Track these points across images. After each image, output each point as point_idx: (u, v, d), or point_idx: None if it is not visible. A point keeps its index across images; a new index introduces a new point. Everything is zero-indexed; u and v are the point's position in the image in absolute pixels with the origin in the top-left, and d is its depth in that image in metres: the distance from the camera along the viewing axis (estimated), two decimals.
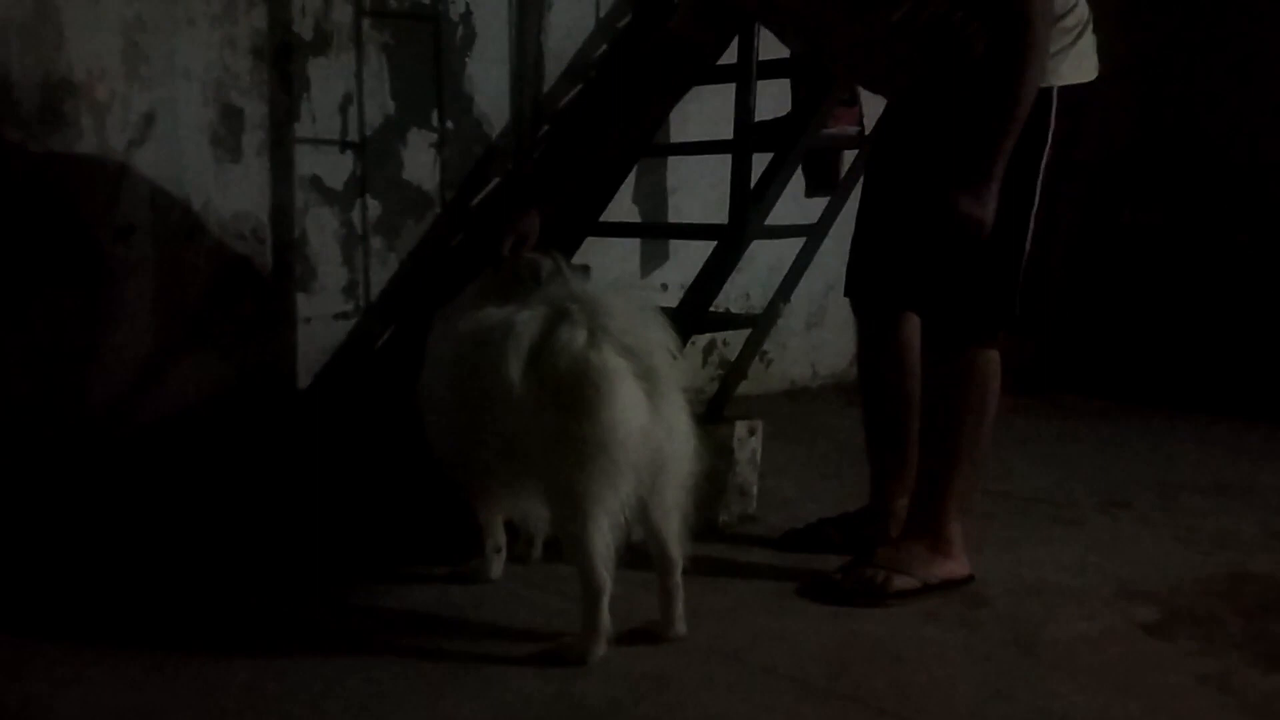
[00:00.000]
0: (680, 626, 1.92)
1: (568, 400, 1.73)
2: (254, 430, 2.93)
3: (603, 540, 1.77)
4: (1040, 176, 2.05)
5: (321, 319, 3.10)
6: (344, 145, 3.09)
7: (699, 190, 3.86)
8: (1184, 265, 4.77)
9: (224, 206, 2.87)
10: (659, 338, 1.79)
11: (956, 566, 2.20)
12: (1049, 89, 2.01)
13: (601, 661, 1.82)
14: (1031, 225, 2.06)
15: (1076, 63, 2.04)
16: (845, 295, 2.39)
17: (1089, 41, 2.08)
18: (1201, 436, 3.80)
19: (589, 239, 3.52)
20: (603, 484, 1.74)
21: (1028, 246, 2.07)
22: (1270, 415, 4.02)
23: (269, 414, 2.99)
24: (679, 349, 1.85)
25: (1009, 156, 1.95)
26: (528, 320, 1.76)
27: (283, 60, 2.95)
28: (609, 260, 3.70)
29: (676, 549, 1.89)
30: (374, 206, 3.18)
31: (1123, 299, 4.91)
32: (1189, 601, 2.17)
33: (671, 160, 3.86)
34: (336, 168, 3.09)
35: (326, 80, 3.04)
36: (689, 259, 3.57)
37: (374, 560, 2.33)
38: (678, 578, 1.91)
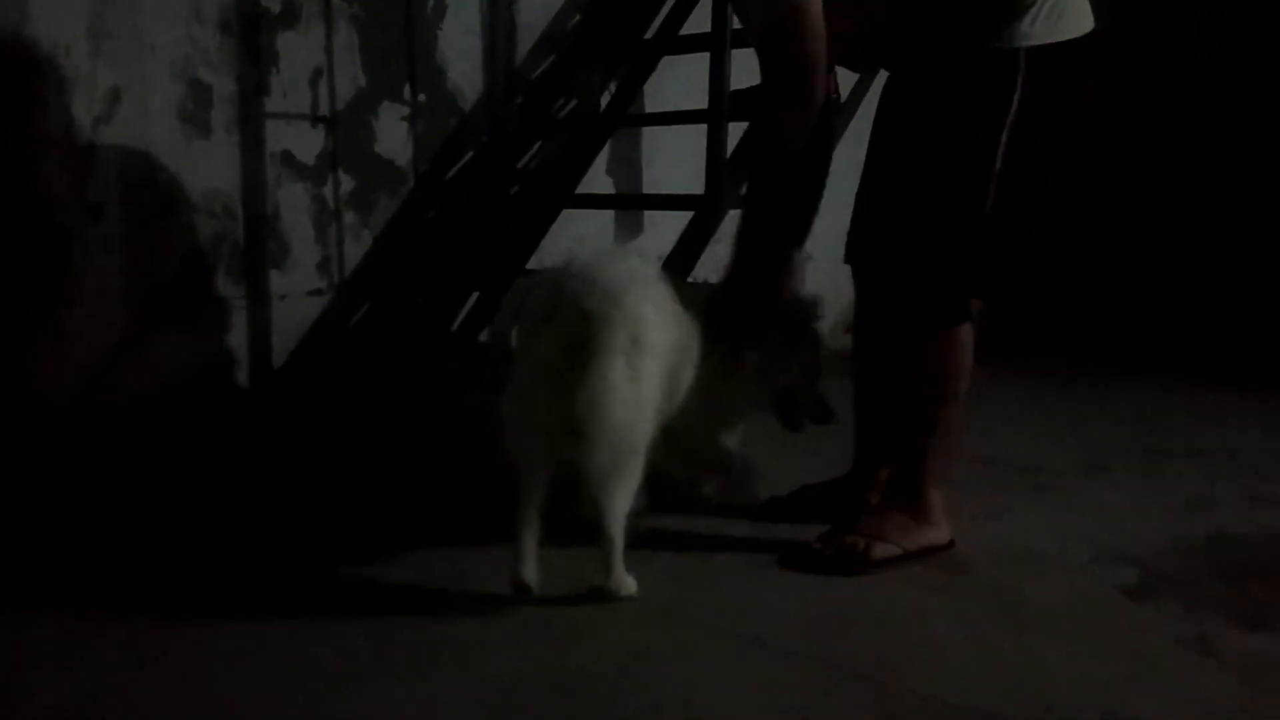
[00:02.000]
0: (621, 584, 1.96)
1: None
2: (230, 409, 2.91)
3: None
4: (1002, 142, 2.01)
5: (295, 296, 3.07)
6: (315, 119, 3.06)
7: (675, 160, 3.84)
8: (1161, 231, 4.79)
9: (194, 183, 2.84)
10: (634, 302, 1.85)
11: (936, 533, 2.20)
12: (1015, 51, 1.99)
13: (581, 634, 1.82)
14: (993, 191, 2.03)
15: (1051, 21, 2.00)
16: (845, 262, 2.34)
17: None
18: (1180, 401, 3.82)
19: (565, 211, 3.50)
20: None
21: (990, 212, 2.04)
22: (1250, 379, 4.05)
23: (244, 392, 2.97)
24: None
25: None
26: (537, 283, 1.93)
27: (251, 34, 2.91)
28: (584, 232, 3.68)
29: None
30: (346, 181, 3.15)
31: (1102, 265, 4.93)
32: (1168, 564, 2.18)
33: (647, 131, 3.84)
34: (308, 142, 3.06)
35: (296, 54, 3.00)
36: (666, 230, 3.55)
37: (352, 539, 2.32)
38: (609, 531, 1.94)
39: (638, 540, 2.22)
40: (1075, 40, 2.03)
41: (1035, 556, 2.23)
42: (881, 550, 2.14)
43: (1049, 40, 2.00)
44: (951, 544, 2.23)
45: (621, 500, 1.92)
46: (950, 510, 2.25)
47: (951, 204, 2.03)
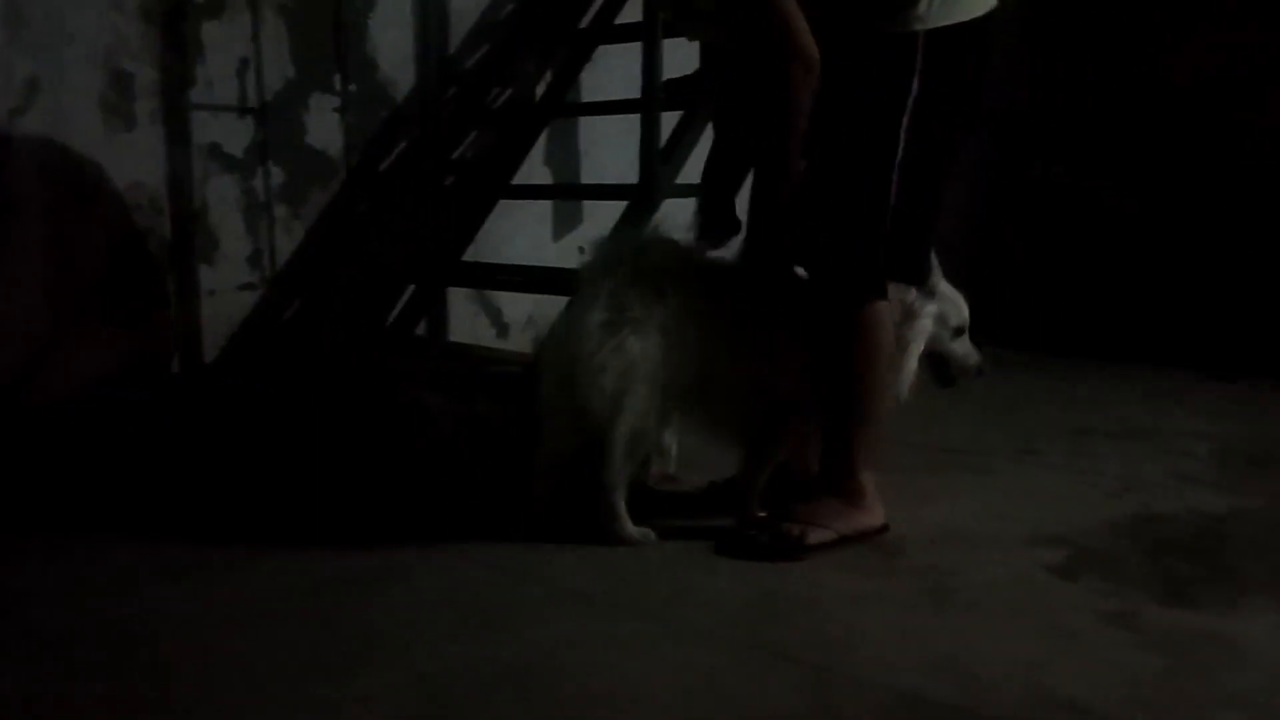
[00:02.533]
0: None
1: None
2: (158, 406, 2.87)
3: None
4: (904, 125, 2.04)
5: (226, 291, 3.04)
6: (243, 110, 3.03)
7: (614, 150, 3.84)
8: (1094, 217, 4.87)
9: (118, 176, 2.79)
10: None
11: (871, 517, 2.23)
12: (913, 34, 2.01)
13: (513, 625, 1.83)
14: (895, 177, 2.07)
15: (948, 4, 2.02)
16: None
17: None
18: (1113, 384, 3.90)
19: (502, 202, 3.49)
20: None
21: (893, 196, 2.07)
22: (1178, 361, 4.14)
23: (175, 389, 2.93)
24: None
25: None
26: None
27: (175, 23, 2.87)
28: (522, 223, 3.68)
29: None
30: (277, 173, 3.12)
31: (1037, 251, 5.02)
32: (1095, 543, 2.23)
33: (584, 121, 3.84)
34: (236, 134, 3.03)
35: (222, 44, 2.97)
36: (604, 220, 3.56)
37: (275, 533, 2.29)
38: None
39: (572, 531, 2.25)
40: (981, 21, 2.07)
41: (968, 538, 2.27)
42: (816, 535, 2.16)
43: (946, 22, 2.02)
44: (886, 527, 2.26)
45: (614, 452, 2.17)
46: (885, 494, 2.28)
47: (854, 189, 2.06)
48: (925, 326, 2.30)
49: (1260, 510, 2.45)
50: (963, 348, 2.40)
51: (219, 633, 1.81)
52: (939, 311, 2.32)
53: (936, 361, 2.39)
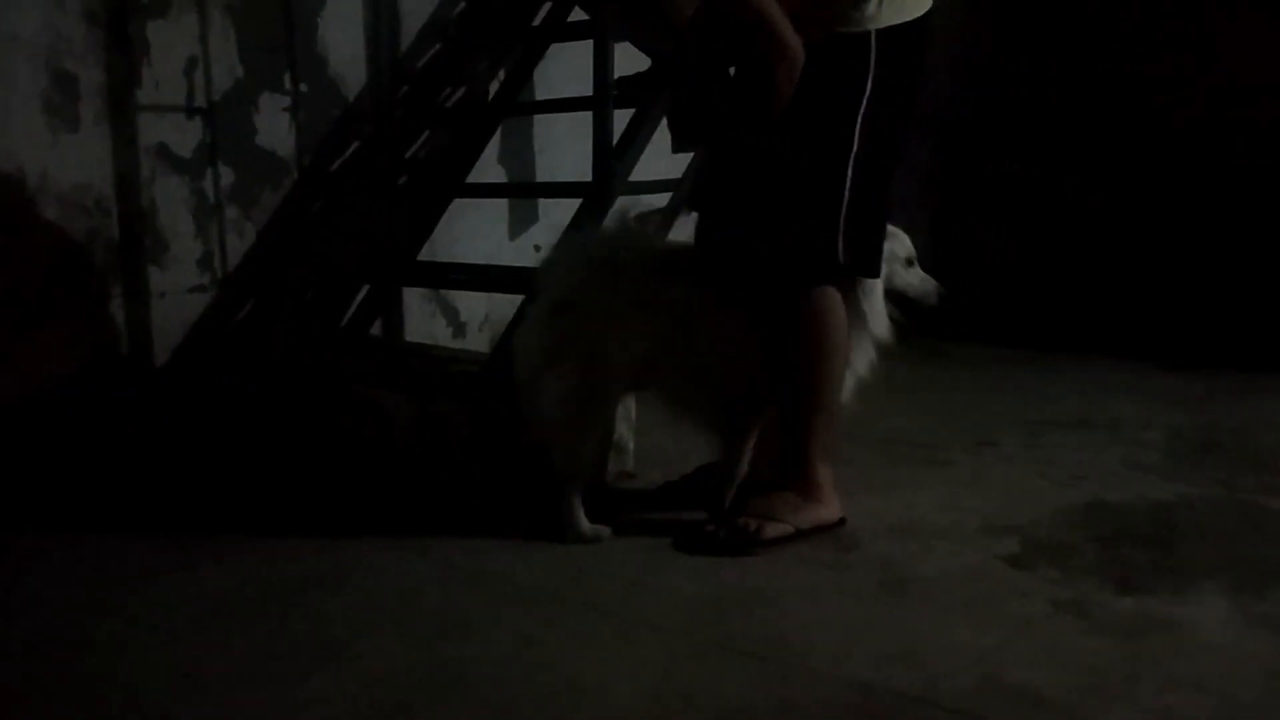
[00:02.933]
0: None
1: None
2: (109, 411, 2.83)
3: None
4: (859, 123, 2.09)
5: (176, 293, 3.00)
6: (191, 111, 2.99)
7: (570, 148, 3.84)
8: (1050, 212, 4.93)
9: (63, 178, 2.75)
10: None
11: (827, 511, 2.25)
12: (866, 34, 2.06)
13: (469, 624, 1.83)
14: (851, 170, 2.10)
15: (895, 6, 2.08)
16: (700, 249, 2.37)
17: None
18: (1068, 376, 3.94)
19: (457, 201, 3.48)
20: None
21: (848, 192, 2.11)
22: (1133, 353, 4.20)
23: (124, 394, 2.89)
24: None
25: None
26: None
27: (119, 23, 2.83)
28: (478, 222, 3.67)
29: None
30: (227, 174, 3.08)
31: (993, 246, 5.06)
32: (1048, 532, 2.26)
33: (539, 119, 3.83)
34: (184, 134, 2.99)
35: (168, 43, 2.92)
36: (560, 219, 3.55)
37: (236, 536, 2.27)
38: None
39: (528, 529, 2.25)
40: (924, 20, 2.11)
41: (923, 530, 2.29)
42: (773, 530, 2.17)
43: (897, 20, 2.08)
44: (843, 521, 2.27)
45: (560, 450, 2.21)
46: (842, 487, 2.30)
47: (809, 185, 2.08)
48: (879, 309, 2.31)
49: (1210, 498, 2.49)
50: (917, 277, 2.42)
51: (171, 638, 1.80)
52: (888, 249, 2.32)
53: (897, 299, 2.40)
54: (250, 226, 3.15)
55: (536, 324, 2.24)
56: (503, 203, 3.79)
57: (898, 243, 2.37)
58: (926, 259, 2.46)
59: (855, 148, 2.09)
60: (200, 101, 3.00)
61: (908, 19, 2.09)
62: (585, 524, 2.22)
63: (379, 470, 2.66)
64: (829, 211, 2.11)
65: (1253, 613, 1.84)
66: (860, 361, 2.32)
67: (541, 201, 3.87)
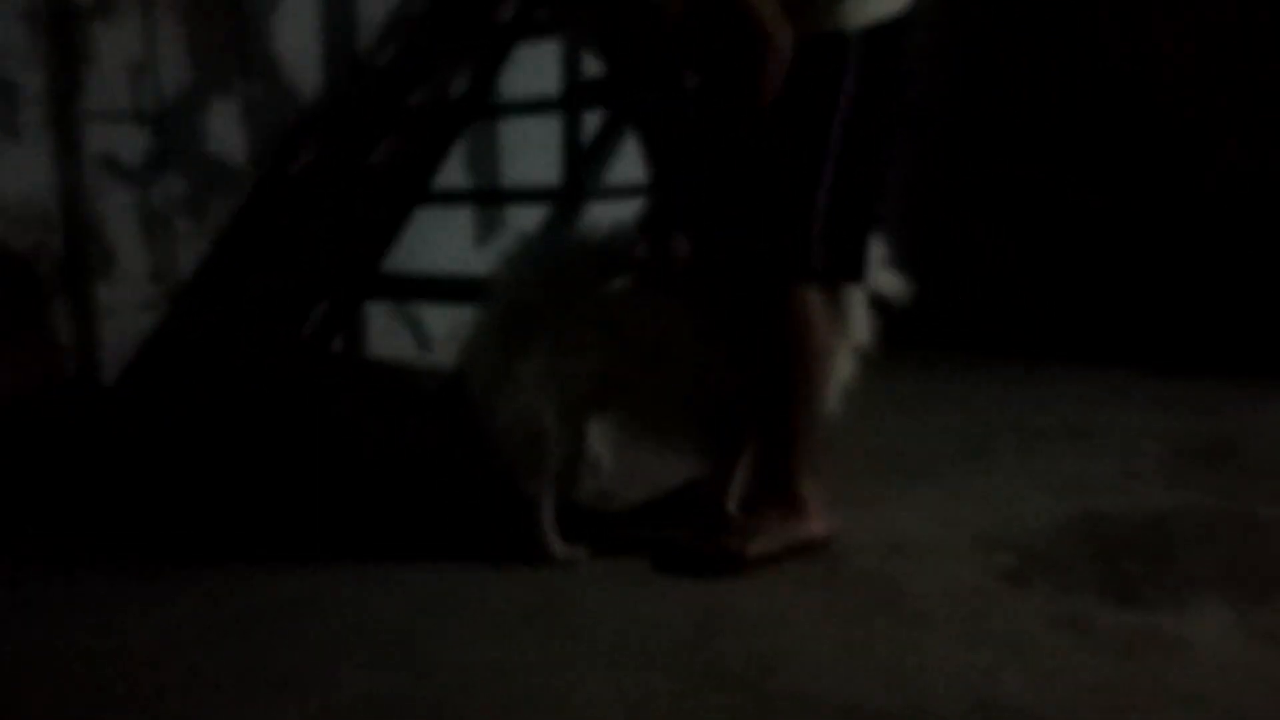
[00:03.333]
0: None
1: None
2: (56, 432, 2.81)
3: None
4: (836, 124, 2.10)
5: (126, 309, 2.99)
6: (139, 117, 2.98)
7: (536, 153, 3.83)
8: (1045, 212, 4.96)
9: (4, 191, 2.73)
10: None
11: (814, 526, 2.25)
12: (840, 33, 2.07)
13: (437, 650, 1.82)
14: (826, 174, 2.11)
15: (874, 3, 2.09)
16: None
17: None
18: (1060, 384, 3.97)
19: (420, 208, 3.47)
20: None
21: (823, 195, 2.11)
22: (1125, 360, 4.23)
23: (73, 414, 2.87)
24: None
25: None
26: None
27: (61, 27, 2.82)
28: (443, 231, 3.67)
29: None
30: (177, 183, 3.08)
31: (982, 250, 5.09)
32: (1044, 546, 2.27)
33: (506, 123, 3.83)
34: (132, 143, 2.98)
35: (113, 48, 2.93)
36: (530, 226, 3.56)
37: (199, 561, 2.26)
38: None
39: (501, 551, 2.24)
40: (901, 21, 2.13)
41: (914, 546, 2.29)
42: (757, 547, 2.17)
43: (876, 18, 2.09)
44: (830, 537, 2.27)
45: (523, 470, 2.20)
46: (830, 502, 2.30)
47: (784, 186, 2.09)
48: (860, 314, 2.32)
49: (1209, 506, 2.50)
50: (889, 278, 2.42)
51: (132, 668, 1.78)
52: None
53: (875, 299, 2.39)
54: (203, 238, 3.14)
55: (488, 337, 2.22)
56: (468, 210, 3.79)
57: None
58: (919, 261, 2.47)
59: (833, 149, 2.10)
60: (148, 108, 2.99)
61: (886, 17, 2.10)
62: (559, 545, 2.22)
63: (347, 493, 2.65)
64: (803, 214, 2.12)
65: (1255, 625, 1.85)
66: (844, 369, 2.33)
67: (510, 208, 3.87)
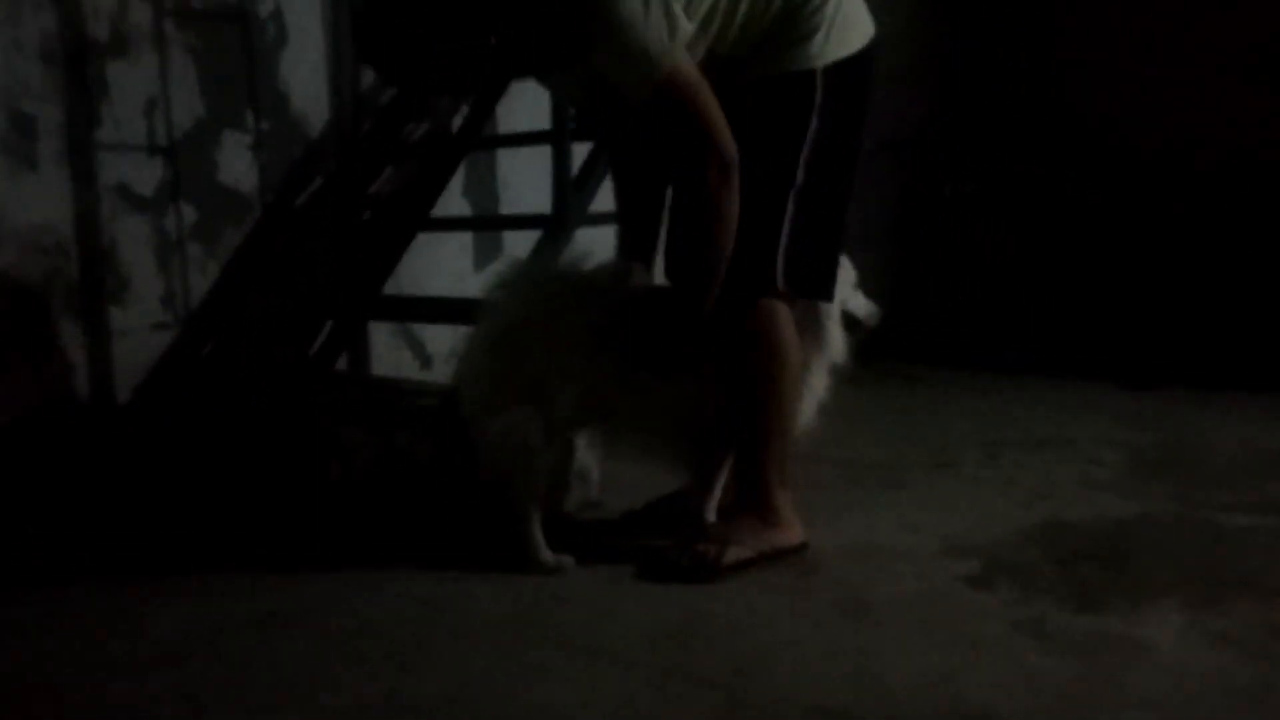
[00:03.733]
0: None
1: None
2: (70, 451, 2.76)
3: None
4: (802, 159, 2.08)
5: (138, 332, 2.95)
6: (152, 150, 2.95)
7: (532, 181, 3.80)
8: (1005, 232, 4.94)
9: (21, 218, 2.70)
10: None
11: (788, 534, 2.21)
12: (811, 71, 2.06)
13: (425, 659, 1.78)
14: (792, 204, 2.09)
15: (841, 35, 2.08)
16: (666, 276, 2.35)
17: (852, 7, 2.11)
18: (1025, 397, 3.93)
19: (423, 234, 3.44)
20: None
21: (787, 224, 2.09)
22: (1088, 373, 4.20)
23: (86, 433, 2.83)
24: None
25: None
26: None
27: (78, 64, 2.79)
28: (443, 255, 3.63)
29: None
30: (189, 213, 3.04)
31: (954, 268, 5.07)
32: (1008, 553, 2.23)
33: (503, 153, 3.81)
34: (145, 173, 2.95)
35: (128, 84, 2.89)
36: (525, 250, 3.52)
37: (191, 571, 2.21)
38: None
39: (488, 561, 2.20)
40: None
41: (884, 552, 2.25)
42: (733, 555, 2.13)
43: (842, 54, 2.08)
44: (804, 545, 2.23)
45: (511, 476, 2.15)
46: (803, 511, 2.26)
47: (747, 220, 2.04)
48: (835, 332, 2.28)
49: (1167, 515, 2.47)
50: (860, 301, 2.39)
51: (125, 679, 1.74)
52: (841, 275, 2.30)
53: (847, 320, 2.37)
54: (213, 264, 3.10)
55: (479, 355, 2.19)
56: (467, 235, 3.76)
57: (843, 269, 2.35)
58: (877, 282, 2.44)
59: (798, 182, 2.09)
60: (161, 140, 2.97)
61: (852, 51, 2.09)
62: (546, 554, 2.17)
63: (340, 505, 2.61)
64: (767, 243, 2.10)
65: (1210, 629, 1.81)
66: (818, 383, 2.29)
67: (506, 233, 3.84)
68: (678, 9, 1.93)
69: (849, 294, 2.34)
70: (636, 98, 1.97)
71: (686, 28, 1.94)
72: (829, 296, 2.21)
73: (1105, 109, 4.64)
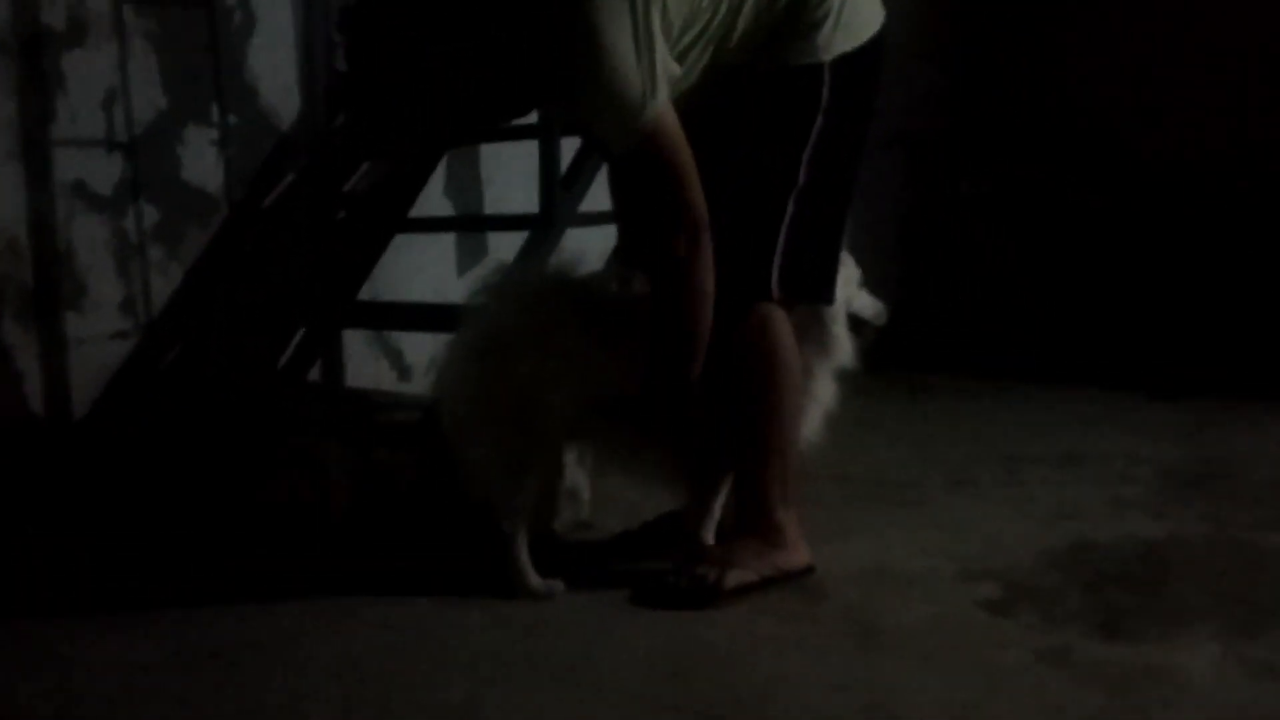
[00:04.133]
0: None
1: None
2: (20, 469, 2.74)
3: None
4: (806, 157, 2.08)
5: (96, 340, 2.93)
6: (111, 145, 2.94)
7: (517, 179, 3.79)
8: (1025, 234, 4.95)
9: None
10: None
11: (793, 556, 2.19)
12: (818, 65, 2.05)
13: (408, 690, 1.76)
14: (792, 204, 2.09)
15: (849, 25, 2.08)
16: None
17: (853, 2, 2.11)
18: (1047, 408, 3.93)
19: (401, 236, 3.42)
20: None
21: (786, 225, 2.09)
22: (1113, 383, 4.19)
23: (40, 447, 2.81)
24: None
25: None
26: None
27: (32, 54, 2.78)
28: (424, 258, 3.62)
29: None
30: (150, 212, 3.03)
31: (970, 271, 5.07)
32: (1030, 576, 2.22)
33: (486, 149, 3.80)
34: (103, 171, 2.93)
35: (85, 75, 2.88)
36: (511, 253, 3.51)
37: (159, 599, 2.20)
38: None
39: (475, 586, 2.19)
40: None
41: (896, 576, 2.24)
42: (735, 578, 2.12)
43: (849, 47, 2.08)
44: (811, 567, 2.22)
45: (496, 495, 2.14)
46: (808, 531, 2.25)
47: (746, 216, 2.07)
48: (841, 336, 2.28)
49: (1201, 535, 2.46)
50: (866, 300, 2.38)
51: (99, 711, 1.72)
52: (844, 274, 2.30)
53: (853, 322, 2.36)
54: (176, 267, 3.09)
55: (462, 366, 2.18)
56: (449, 237, 3.75)
57: (847, 268, 2.35)
58: (891, 291, 2.44)
59: (800, 182, 2.09)
60: (121, 135, 2.95)
61: (859, 43, 2.09)
62: (534, 578, 2.16)
63: (313, 526, 2.59)
64: (763, 249, 2.10)
65: (1247, 658, 1.80)
66: (824, 391, 2.28)
67: (491, 235, 3.83)
68: (666, 54, 1.94)
69: (853, 293, 2.33)
70: (616, 149, 2.00)
71: (675, 72, 1.97)
72: (830, 299, 2.20)
73: (1105, 110, 4.67)
